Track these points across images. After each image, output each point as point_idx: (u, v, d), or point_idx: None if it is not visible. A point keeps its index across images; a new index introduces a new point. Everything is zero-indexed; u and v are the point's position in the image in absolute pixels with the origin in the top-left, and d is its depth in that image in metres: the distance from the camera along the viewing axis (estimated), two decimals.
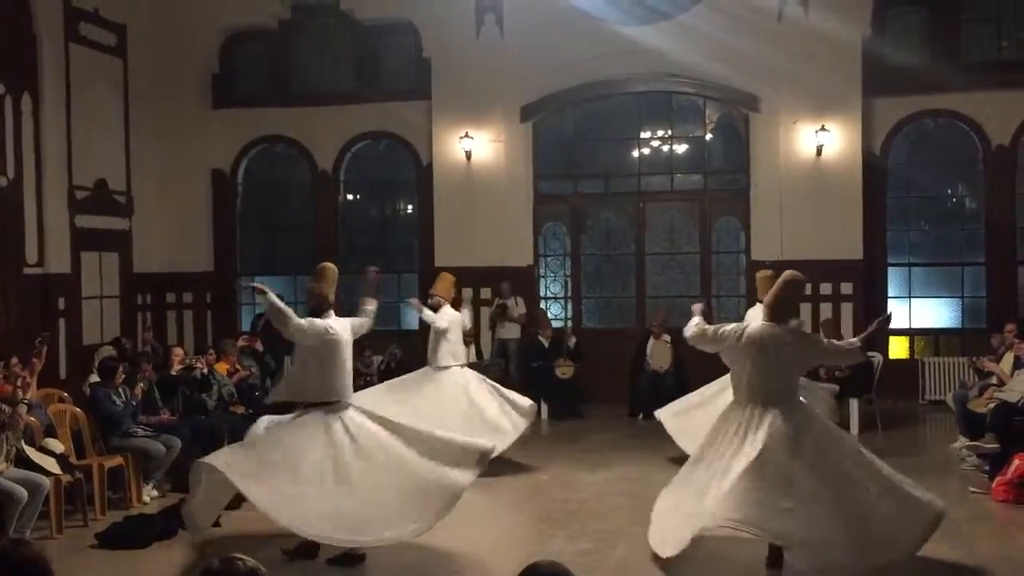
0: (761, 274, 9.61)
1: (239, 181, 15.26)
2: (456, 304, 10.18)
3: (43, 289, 12.37)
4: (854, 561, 5.97)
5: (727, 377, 9.17)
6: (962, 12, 13.54)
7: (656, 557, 6.54)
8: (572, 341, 13.32)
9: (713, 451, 6.45)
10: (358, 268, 14.45)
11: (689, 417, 9.37)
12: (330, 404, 6.84)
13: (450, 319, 9.78)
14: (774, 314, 6.47)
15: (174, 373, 9.77)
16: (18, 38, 12.25)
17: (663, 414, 9.82)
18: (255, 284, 7.38)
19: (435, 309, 9.85)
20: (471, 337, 11.63)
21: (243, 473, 6.50)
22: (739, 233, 14.03)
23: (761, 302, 8.95)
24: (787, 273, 6.62)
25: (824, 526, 5.96)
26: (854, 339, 6.81)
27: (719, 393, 9.06)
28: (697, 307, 7.18)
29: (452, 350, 9.76)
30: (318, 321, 6.90)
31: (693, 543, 6.32)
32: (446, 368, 9.71)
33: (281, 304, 6.86)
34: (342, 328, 6.97)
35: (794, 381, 6.51)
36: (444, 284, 10.07)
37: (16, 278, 12.05)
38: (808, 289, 13.01)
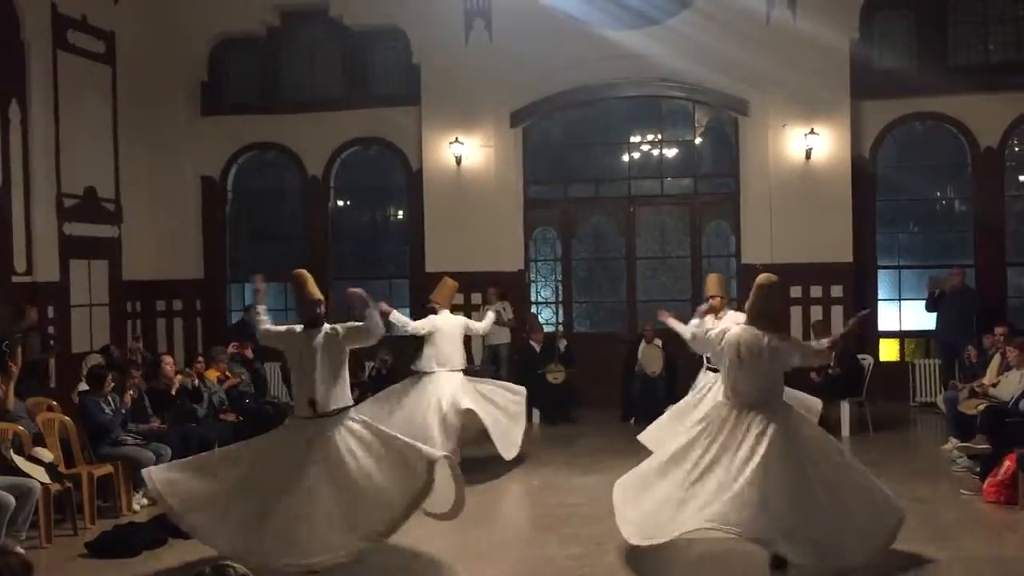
0: (710, 277, 9.72)
1: (229, 188, 15.24)
2: (453, 309, 10.20)
3: (31, 297, 12.31)
4: (839, 560, 6.02)
5: (700, 383, 9.32)
6: (949, 15, 13.59)
7: (645, 558, 6.52)
8: (563, 344, 13.31)
9: (698, 449, 6.43)
10: (349, 275, 14.64)
11: (662, 429, 9.40)
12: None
13: (437, 325, 9.78)
14: (753, 317, 6.51)
15: (173, 393, 9.66)
16: (6, 46, 12.22)
17: (644, 438, 9.73)
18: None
19: (433, 314, 9.90)
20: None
21: (182, 499, 6.48)
22: (729, 237, 14.06)
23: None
24: (762, 277, 6.65)
25: (817, 527, 6.00)
26: (824, 340, 6.84)
27: (693, 405, 9.16)
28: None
29: (436, 355, 9.73)
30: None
31: (686, 543, 6.32)
32: (429, 373, 9.71)
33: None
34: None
35: (778, 383, 6.52)
36: (443, 291, 10.07)
37: (4, 286, 12.00)
38: (798, 292, 13.16)
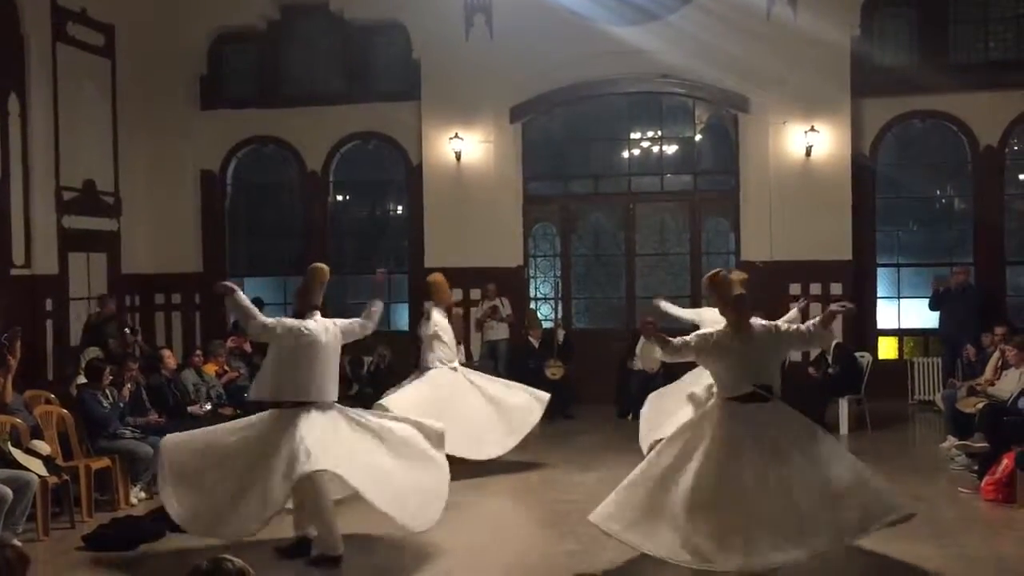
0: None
1: (228, 182, 15.22)
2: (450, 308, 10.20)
3: (30, 290, 12.31)
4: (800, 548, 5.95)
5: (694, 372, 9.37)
6: (950, 13, 13.57)
7: (643, 555, 6.52)
8: (561, 335, 13.31)
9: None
10: (348, 269, 14.65)
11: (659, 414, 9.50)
12: (305, 404, 6.73)
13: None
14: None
15: (190, 411, 9.65)
16: (5, 38, 12.18)
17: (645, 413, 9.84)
18: (225, 284, 7.02)
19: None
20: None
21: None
22: (729, 234, 14.05)
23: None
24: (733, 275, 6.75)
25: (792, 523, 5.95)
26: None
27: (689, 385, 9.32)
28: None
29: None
30: (288, 320, 6.90)
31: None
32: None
33: (246, 303, 6.82)
34: (321, 329, 6.89)
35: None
36: (441, 292, 10.01)
37: (3, 279, 11.99)
38: (797, 289, 13.15)
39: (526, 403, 9.78)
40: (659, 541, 6.12)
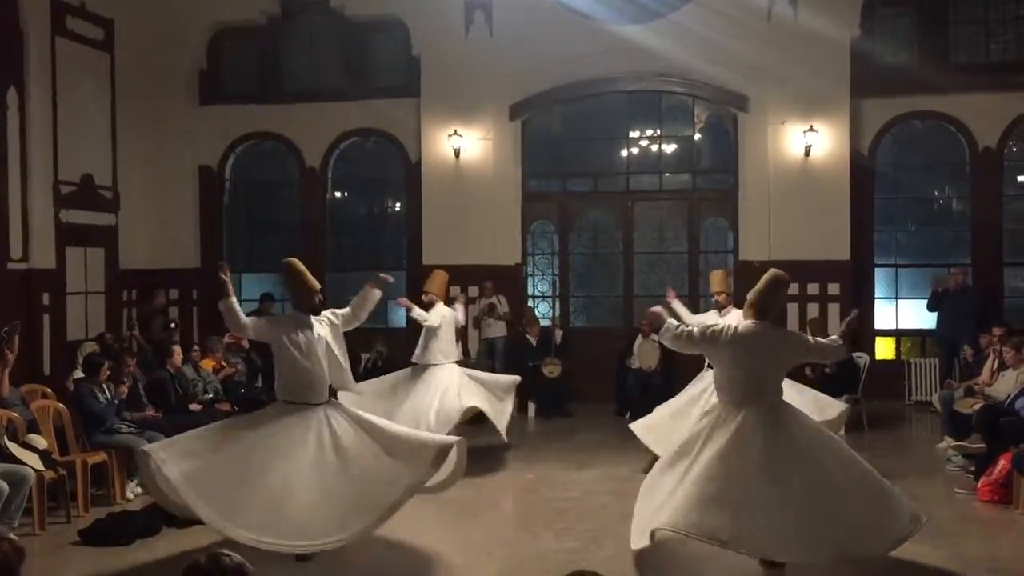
0: (714, 274, 9.98)
1: (226, 177, 15.20)
2: (448, 302, 10.22)
3: (27, 284, 12.29)
4: (815, 555, 5.98)
5: (699, 384, 9.32)
6: (950, 14, 13.57)
7: (640, 556, 6.52)
8: (559, 333, 13.32)
9: (686, 452, 6.43)
10: (346, 266, 14.63)
11: (663, 427, 9.44)
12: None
13: (442, 317, 9.79)
14: (755, 311, 6.46)
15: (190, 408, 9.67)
16: (4, 32, 12.15)
17: (636, 427, 9.79)
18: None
19: (429, 307, 9.89)
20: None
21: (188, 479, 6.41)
22: (727, 233, 14.05)
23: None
24: (776, 272, 6.63)
25: (784, 524, 5.93)
26: (835, 336, 6.79)
27: (691, 403, 9.20)
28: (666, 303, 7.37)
29: (442, 348, 9.79)
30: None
31: (681, 543, 6.33)
32: (436, 365, 9.73)
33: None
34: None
35: (778, 379, 6.47)
36: (438, 282, 10.10)
37: (0, 273, 11.97)
38: (795, 289, 13.14)
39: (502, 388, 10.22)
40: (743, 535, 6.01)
